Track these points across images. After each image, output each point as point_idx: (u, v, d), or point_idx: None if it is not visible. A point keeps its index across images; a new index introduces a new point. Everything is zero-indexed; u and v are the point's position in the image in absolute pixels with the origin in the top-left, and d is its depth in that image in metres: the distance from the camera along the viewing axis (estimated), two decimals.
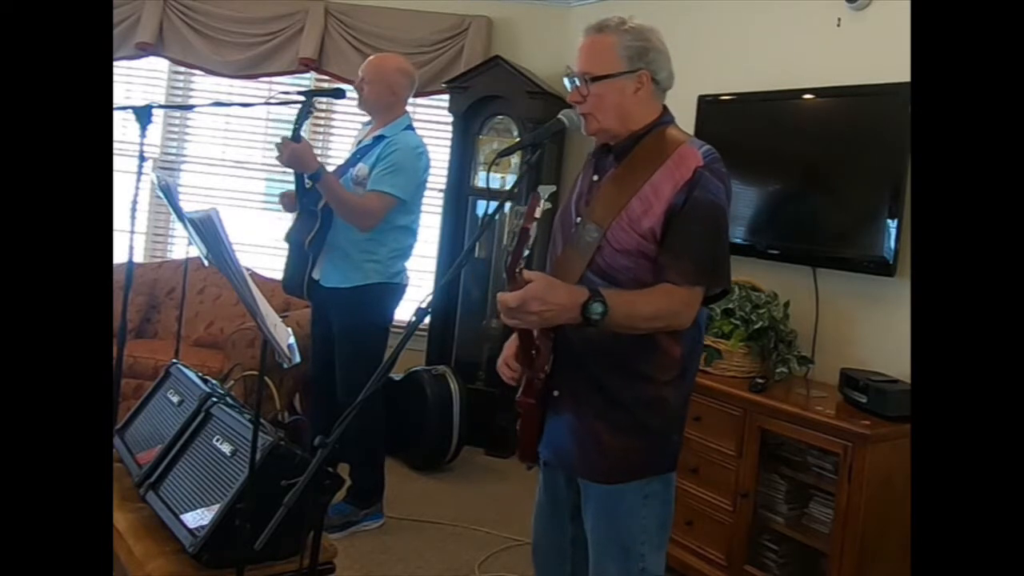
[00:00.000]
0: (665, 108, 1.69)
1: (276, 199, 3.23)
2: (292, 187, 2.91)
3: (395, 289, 3.04)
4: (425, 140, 3.06)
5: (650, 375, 1.60)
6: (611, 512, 1.65)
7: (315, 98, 2.77)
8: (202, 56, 4.36)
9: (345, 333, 2.97)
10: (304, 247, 2.92)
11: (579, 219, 1.65)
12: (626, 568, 1.64)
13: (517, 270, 1.42)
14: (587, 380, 1.62)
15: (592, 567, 1.69)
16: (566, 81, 1.67)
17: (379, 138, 2.97)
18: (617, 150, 1.66)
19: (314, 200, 2.87)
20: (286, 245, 3.04)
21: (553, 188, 1.49)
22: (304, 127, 2.78)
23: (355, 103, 3.03)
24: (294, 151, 2.70)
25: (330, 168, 2.97)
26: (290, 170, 2.82)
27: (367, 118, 3.14)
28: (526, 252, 1.42)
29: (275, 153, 2.73)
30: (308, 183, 2.82)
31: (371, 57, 3.09)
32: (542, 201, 1.42)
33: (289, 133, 2.72)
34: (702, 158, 1.57)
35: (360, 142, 3.07)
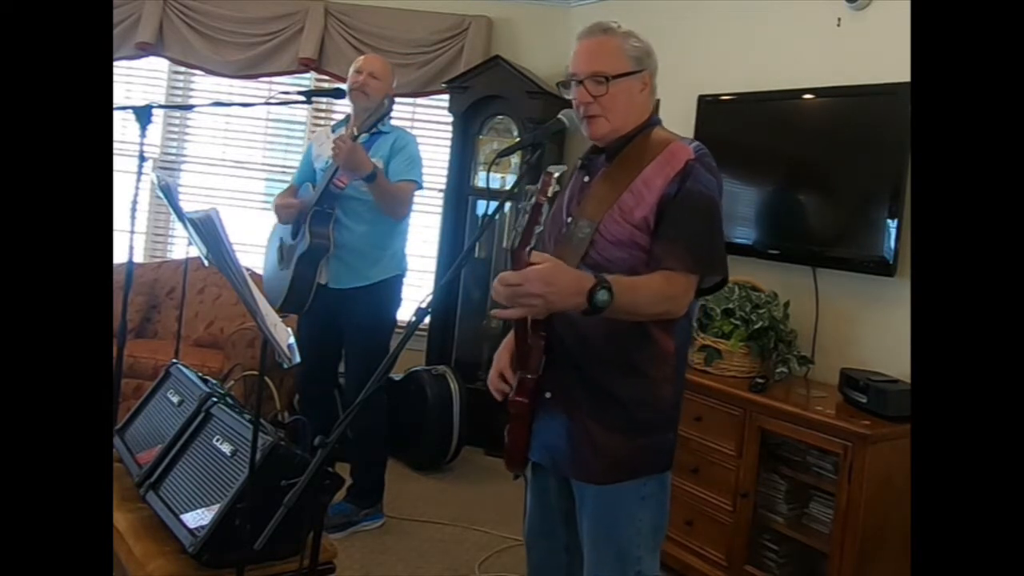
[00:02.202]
0: (653, 110, 1.70)
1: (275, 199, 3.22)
2: (283, 190, 2.91)
3: (402, 282, 3.09)
4: (425, 140, 3.13)
5: (645, 371, 1.60)
6: (608, 514, 1.64)
7: (315, 97, 2.78)
8: (202, 56, 4.36)
9: (360, 330, 2.99)
10: (324, 250, 2.90)
11: (570, 219, 1.66)
12: (622, 571, 1.63)
13: (528, 249, 1.39)
14: (580, 379, 1.62)
15: (587, 571, 1.68)
16: (562, 85, 1.67)
17: (377, 134, 3.00)
18: (609, 150, 1.67)
19: (331, 203, 2.90)
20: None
21: (564, 167, 1.48)
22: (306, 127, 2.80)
23: (350, 102, 3.02)
24: (355, 151, 2.73)
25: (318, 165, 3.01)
26: (287, 170, 2.84)
27: (339, 116, 3.15)
28: (538, 229, 1.41)
29: (275, 152, 2.75)
30: (339, 183, 2.84)
31: (369, 55, 3.15)
32: (554, 179, 1.41)
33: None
34: (693, 152, 1.59)
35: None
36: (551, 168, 1.43)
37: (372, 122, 2.84)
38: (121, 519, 1.93)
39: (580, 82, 1.62)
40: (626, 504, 1.63)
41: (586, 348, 1.60)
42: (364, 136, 3.01)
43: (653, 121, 1.68)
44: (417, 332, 1.48)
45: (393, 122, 3.11)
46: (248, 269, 2.12)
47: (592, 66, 1.61)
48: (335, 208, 2.90)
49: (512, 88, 4.03)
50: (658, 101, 1.73)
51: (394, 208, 2.93)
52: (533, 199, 1.40)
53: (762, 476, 2.64)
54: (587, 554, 1.68)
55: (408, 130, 3.17)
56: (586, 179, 1.69)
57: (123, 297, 2.27)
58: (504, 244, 4.03)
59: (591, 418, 1.61)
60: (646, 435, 1.62)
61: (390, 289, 3.03)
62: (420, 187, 3.01)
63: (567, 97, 1.68)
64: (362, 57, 3.09)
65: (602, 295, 1.40)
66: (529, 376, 1.63)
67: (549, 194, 1.41)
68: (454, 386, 3.79)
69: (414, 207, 3.07)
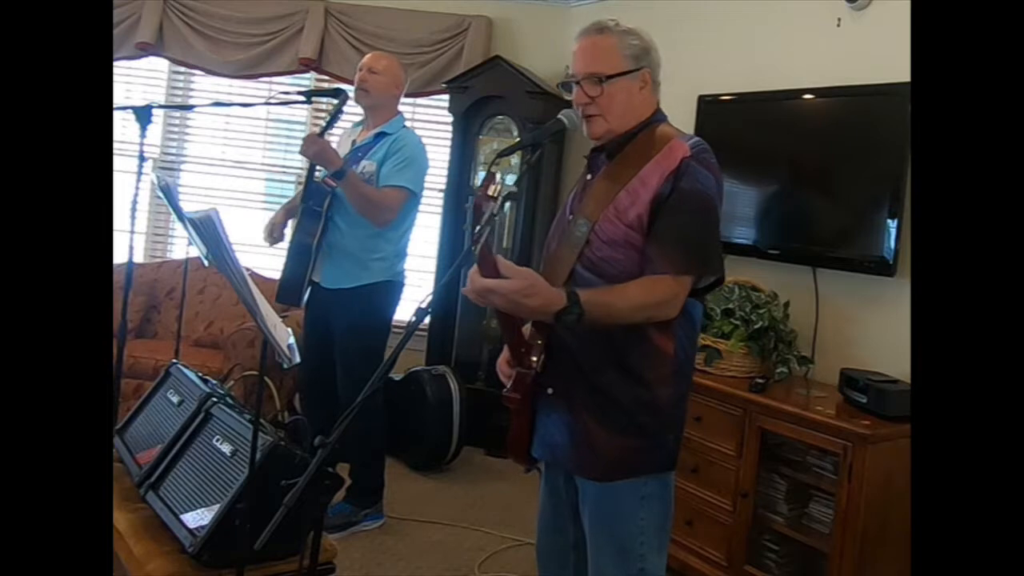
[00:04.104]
0: (657, 106, 1.70)
1: (276, 199, 3.23)
2: (275, 213, 2.90)
3: (398, 288, 3.06)
4: (425, 140, 3.08)
5: (643, 374, 1.60)
6: (607, 511, 1.65)
7: (316, 98, 2.77)
8: (202, 56, 4.36)
9: (349, 333, 2.97)
10: (311, 248, 2.91)
11: (571, 216, 1.66)
12: (624, 569, 1.63)
13: (474, 249, 1.38)
14: (581, 378, 1.62)
15: (591, 568, 1.68)
16: (562, 85, 1.67)
17: (380, 135, 2.98)
18: (609, 148, 1.66)
19: (319, 200, 2.88)
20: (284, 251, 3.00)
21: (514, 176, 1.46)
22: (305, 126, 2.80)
23: (355, 102, 3.00)
24: (322, 147, 2.73)
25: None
26: (287, 170, 2.83)
27: (358, 117, 3.14)
28: (487, 230, 1.37)
29: (275, 152, 2.74)
30: (331, 182, 2.82)
31: (374, 53, 3.13)
32: (498, 177, 1.39)
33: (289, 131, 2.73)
34: (689, 149, 1.57)
35: (354, 141, 3.06)
36: (500, 173, 1.41)
37: (331, 116, 2.83)
38: (121, 519, 1.93)
39: (578, 83, 1.62)
40: (626, 502, 1.63)
41: (584, 348, 1.60)
42: (369, 136, 3.01)
43: (656, 118, 1.67)
44: (417, 332, 1.47)
45: None
46: (248, 269, 2.12)
47: (588, 66, 1.62)
48: (323, 206, 2.88)
49: (512, 88, 4.03)
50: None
51: (371, 212, 2.85)
52: (472, 200, 1.37)
53: (762, 476, 2.64)
54: (590, 550, 1.68)
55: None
56: (588, 177, 1.70)
57: (123, 297, 2.28)
58: (504, 244, 4.03)
59: (591, 417, 1.61)
60: (644, 436, 1.61)
61: (380, 294, 2.98)
62: (413, 193, 2.92)
63: (568, 98, 1.68)
64: (368, 55, 3.08)
65: (569, 318, 1.43)
66: (523, 372, 1.63)
67: (491, 193, 1.37)
68: (454, 386, 3.78)
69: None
